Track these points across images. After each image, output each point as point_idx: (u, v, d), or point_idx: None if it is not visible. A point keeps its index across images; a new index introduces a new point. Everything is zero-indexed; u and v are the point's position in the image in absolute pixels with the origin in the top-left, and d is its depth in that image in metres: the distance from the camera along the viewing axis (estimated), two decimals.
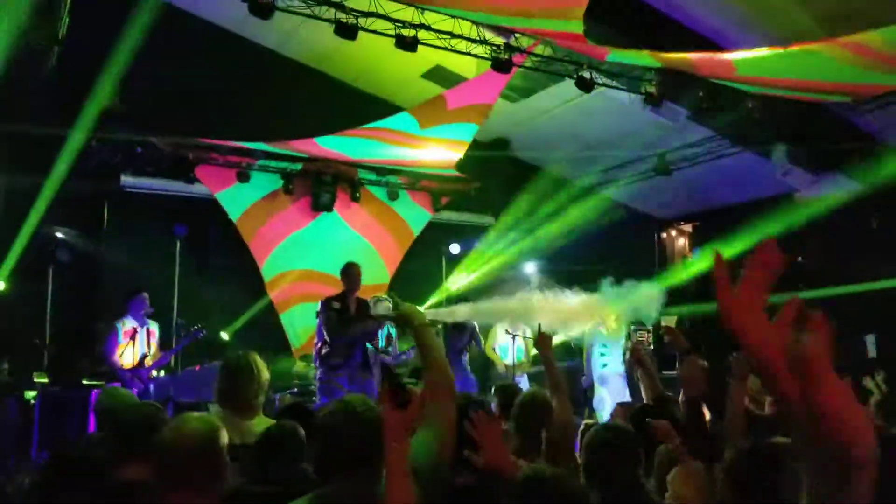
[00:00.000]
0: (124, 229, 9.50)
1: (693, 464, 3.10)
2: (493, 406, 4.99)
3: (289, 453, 3.09)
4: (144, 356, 7.98)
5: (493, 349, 9.52)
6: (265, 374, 3.71)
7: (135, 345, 7.92)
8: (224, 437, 2.39)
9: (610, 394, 9.57)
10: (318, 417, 2.57)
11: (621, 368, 9.82)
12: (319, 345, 7.64)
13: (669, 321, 9.47)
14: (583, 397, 9.57)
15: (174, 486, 2.26)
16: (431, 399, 2.57)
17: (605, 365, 9.79)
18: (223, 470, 2.35)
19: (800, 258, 10.76)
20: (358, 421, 2.39)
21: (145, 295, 8.16)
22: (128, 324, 7.98)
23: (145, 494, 2.64)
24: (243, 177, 10.19)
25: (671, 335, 4.28)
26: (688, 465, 3.09)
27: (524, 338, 9.49)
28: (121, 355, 7.85)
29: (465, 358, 9.25)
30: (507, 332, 9.42)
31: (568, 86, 8.69)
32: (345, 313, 7.42)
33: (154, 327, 8.24)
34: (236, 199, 10.30)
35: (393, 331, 8.75)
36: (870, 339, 8.62)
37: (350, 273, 7.61)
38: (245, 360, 3.69)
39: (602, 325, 9.23)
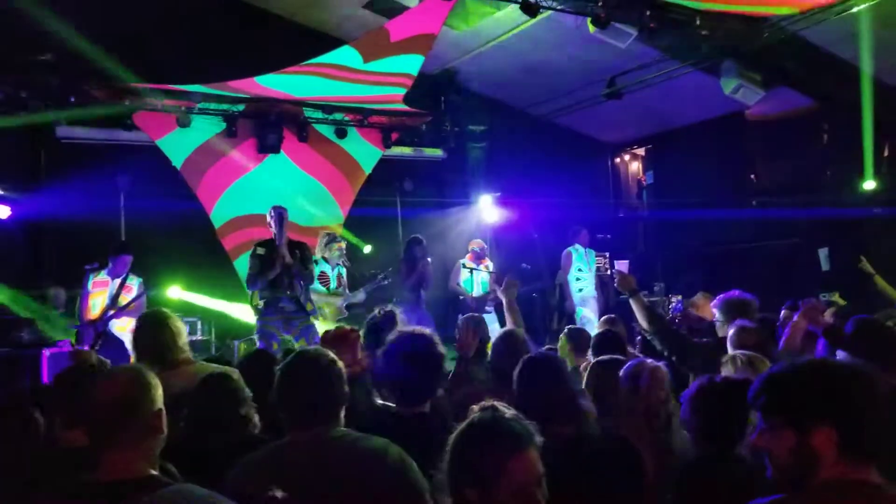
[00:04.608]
0: (63, 183, 9.13)
1: None
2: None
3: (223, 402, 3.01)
4: (109, 308, 7.86)
5: (458, 284, 9.51)
6: (181, 328, 3.87)
7: (103, 296, 7.80)
8: (157, 389, 2.31)
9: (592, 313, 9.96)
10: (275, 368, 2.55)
11: (594, 292, 10.12)
12: (250, 291, 7.54)
13: (622, 265, 9.68)
14: (567, 320, 9.70)
15: (106, 443, 2.19)
16: None
17: (581, 290, 10.04)
18: (157, 422, 2.26)
19: (752, 176, 10.85)
20: (316, 369, 2.44)
21: (129, 257, 7.92)
22: (101, 276, 7.85)
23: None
24: (184, 121, 9.82)
25: (621, 277, 4.87)
26: None
27: (488, 272, 9.52)
28: (90, 307, 7.75)
29: (422, 295, 9.15)
30: (465, 266, 9.41)
31: (514, 11, 8.46)
32: (267, 259, 7.19)
33: (133, 283, 8.01)
34: (178, 145, 9.92)
35: (343, 271, 8.63)
36: (823, 253, 8.71)
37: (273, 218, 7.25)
38: (160, 316, 3.91)
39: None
